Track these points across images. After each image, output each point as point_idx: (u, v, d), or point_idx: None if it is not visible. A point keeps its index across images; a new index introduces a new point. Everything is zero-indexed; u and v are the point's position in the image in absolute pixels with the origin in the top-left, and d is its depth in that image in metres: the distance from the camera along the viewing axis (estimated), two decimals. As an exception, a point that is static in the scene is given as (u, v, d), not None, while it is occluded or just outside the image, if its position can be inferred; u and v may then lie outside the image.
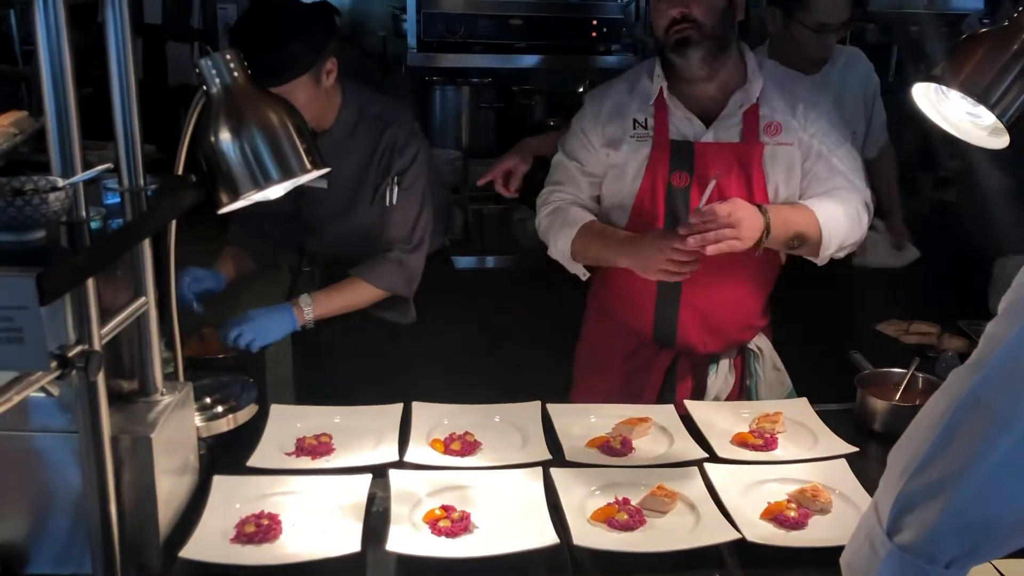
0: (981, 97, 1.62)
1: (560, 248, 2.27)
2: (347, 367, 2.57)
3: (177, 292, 1.78)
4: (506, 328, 3.12)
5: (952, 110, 1.75)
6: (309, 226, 2.49)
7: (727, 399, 2.33)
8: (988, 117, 1.65)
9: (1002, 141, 1.67)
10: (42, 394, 1.28)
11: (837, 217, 2.17)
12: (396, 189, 2.27)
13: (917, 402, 2.00)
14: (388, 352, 2.57)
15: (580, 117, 2.31)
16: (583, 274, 2.32)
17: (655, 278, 2.14)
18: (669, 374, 2.33)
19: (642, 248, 2.10)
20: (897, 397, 2.05)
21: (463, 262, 3.27)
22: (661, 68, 2.22)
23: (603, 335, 2.45)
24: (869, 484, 1.71)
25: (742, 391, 2.37)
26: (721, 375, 2.35)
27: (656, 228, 2.17)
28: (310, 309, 2.26)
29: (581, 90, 4.62)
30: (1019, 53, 1.62)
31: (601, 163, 2.27)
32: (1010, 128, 1.63)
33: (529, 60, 3.73)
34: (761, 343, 2.39)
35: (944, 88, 1.69)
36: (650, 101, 2.22)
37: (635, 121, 2.22)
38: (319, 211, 2.42)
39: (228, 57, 1.53)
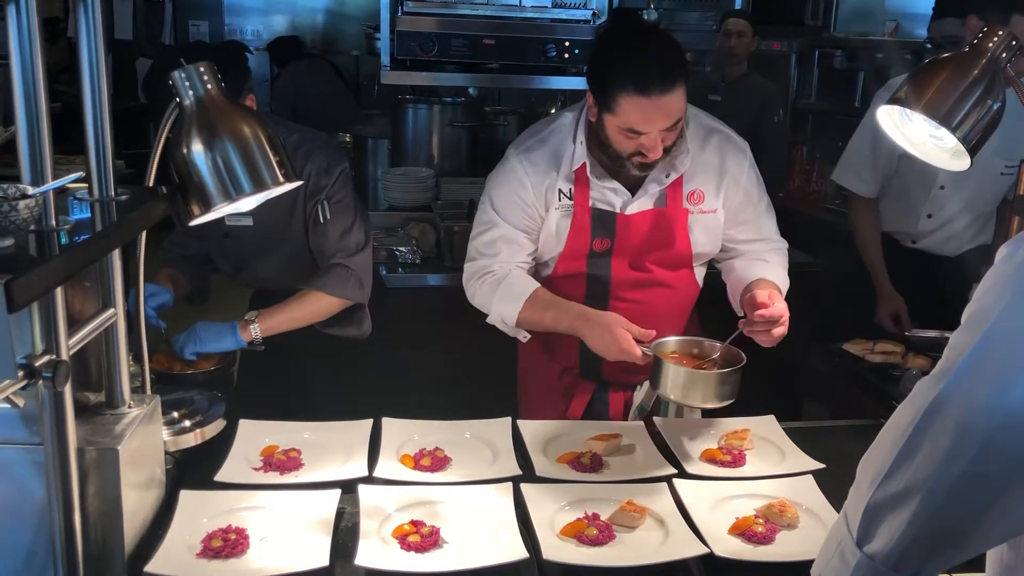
0: (943, 120, 1.66)
1: (505, 317, 2.16)
2: (317, 383, 2.55)
3: (135, 309, 1.75)
4: (478, 345, 3.12)
5: (915, 132, 1.79)
6: (238, 264, 2.47)
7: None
8: (950, 139, 1.69)
9: (963, 163, 1.72)
10: (7, 405, 1.26)
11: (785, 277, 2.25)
12: (327, 205, 2.30)
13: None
14: (359, 368, 2.56)
15: (508, 182, 2.18)
16: (524, 337, 2.22)
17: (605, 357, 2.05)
18: (598, 393, 2.34)
19: (600, 335, 2.00)
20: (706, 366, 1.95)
21: (435, 279, 3.28)
22: (585, 144, 2.13)
23: (536, 363, 2.45)
24: (836, 500, 1.72)
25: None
26: (644, 387, 2.29)
27: (612, 314, 2.03)
28: (256, 327, 2.26)
29: (553, 111, 4.68)
30: (979, 78, 1.67)
31: (538, 224, 2.21)
32: (971, 150, 1.67)
33: (501, 80, 3.76)
34: None
35: (908, 111, 1.73)
36: (571, 170, 2.14)
37: (560, 192, 2.16)
38: (246, 248, 2.41)
39: (202, 70, 1.53)
